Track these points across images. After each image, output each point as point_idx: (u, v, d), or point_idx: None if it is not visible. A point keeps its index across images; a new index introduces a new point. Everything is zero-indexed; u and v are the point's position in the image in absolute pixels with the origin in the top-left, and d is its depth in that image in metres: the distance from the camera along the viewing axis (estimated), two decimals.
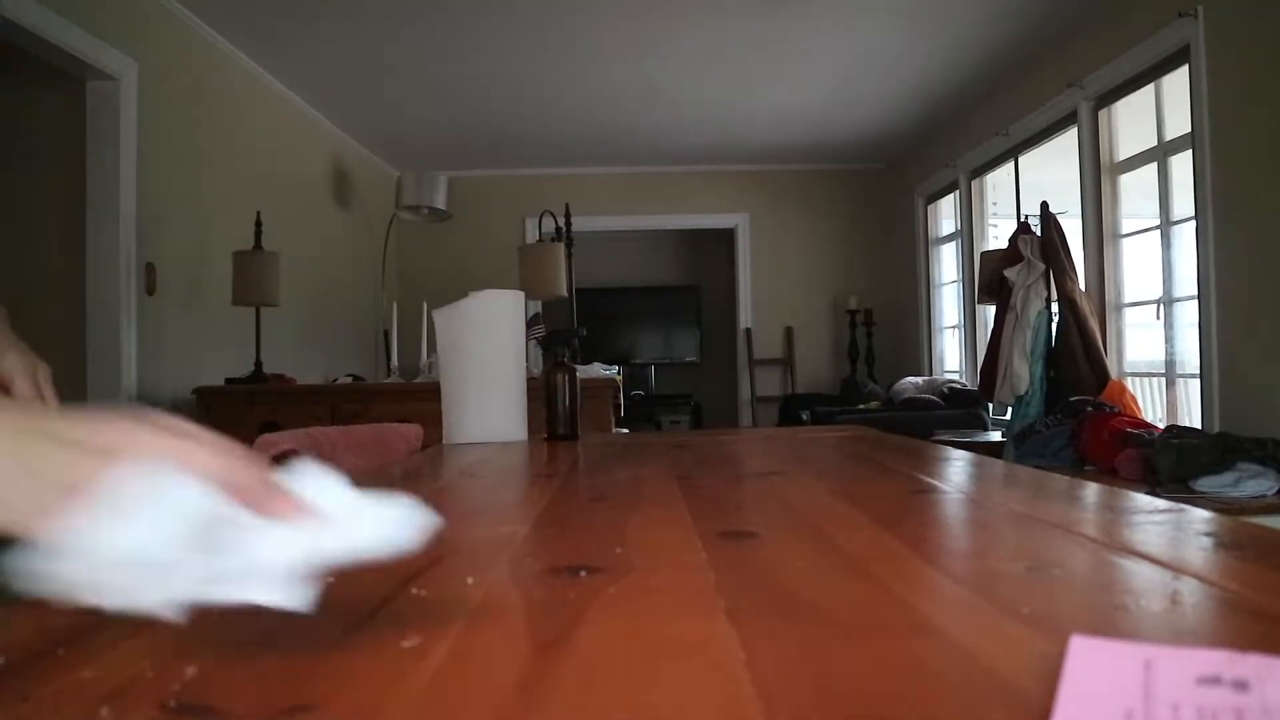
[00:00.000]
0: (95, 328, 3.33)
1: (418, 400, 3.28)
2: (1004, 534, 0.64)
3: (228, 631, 0.42)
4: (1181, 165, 3.51)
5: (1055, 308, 4.03)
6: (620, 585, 0.50)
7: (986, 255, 4.80)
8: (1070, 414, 3.55)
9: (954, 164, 5.51)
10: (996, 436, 4.51)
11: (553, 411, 1.74)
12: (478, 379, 1.68)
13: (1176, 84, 3.49)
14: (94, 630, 0.43)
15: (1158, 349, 3.78)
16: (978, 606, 0.43)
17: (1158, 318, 3.72)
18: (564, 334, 1.80)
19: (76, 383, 3.40)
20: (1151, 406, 4.15)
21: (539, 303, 4.80)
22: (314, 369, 4.82)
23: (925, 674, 0.35)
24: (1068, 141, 4.29)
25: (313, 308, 5.00)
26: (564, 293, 4.34)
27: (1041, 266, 4.04)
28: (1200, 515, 0.66)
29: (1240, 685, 0.28)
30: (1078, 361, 3.84)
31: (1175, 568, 0.50)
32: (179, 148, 3.76)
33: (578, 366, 2.03)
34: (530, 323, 3.86)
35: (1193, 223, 3.36)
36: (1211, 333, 3.25)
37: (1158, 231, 3.73)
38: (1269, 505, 2.64)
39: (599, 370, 3.52)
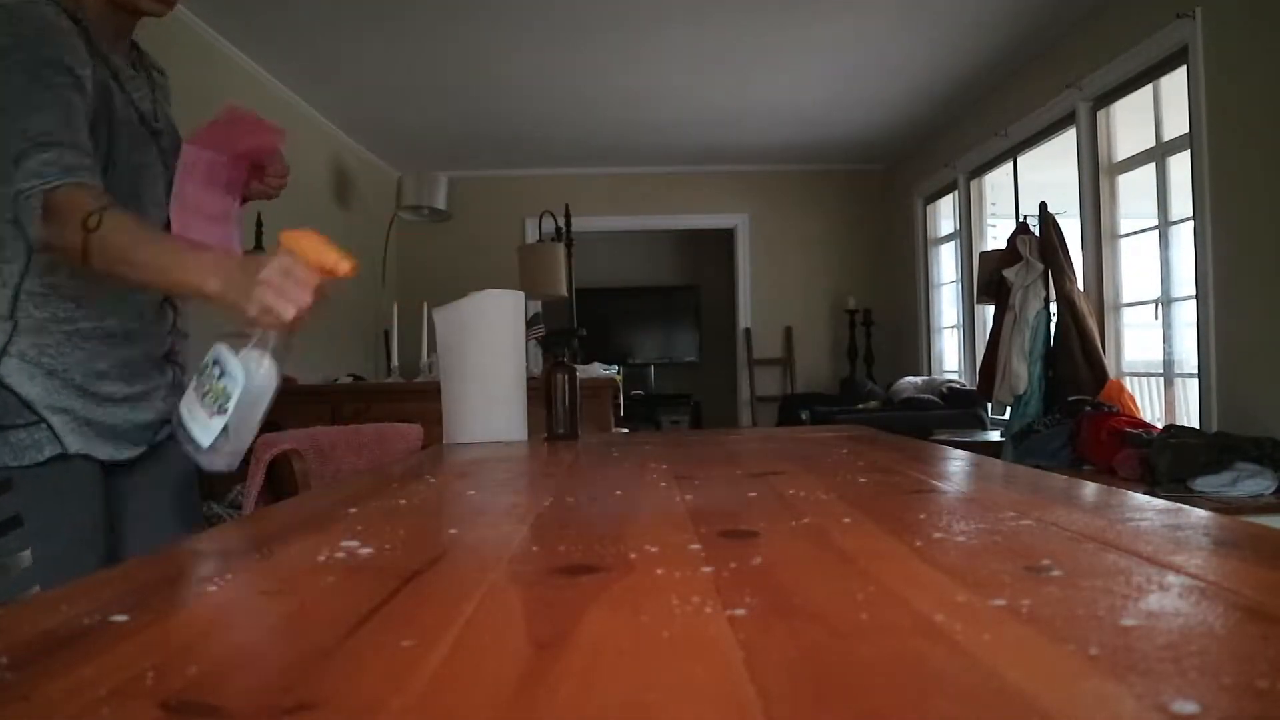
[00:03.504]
0: None
1: (418, 400, 3.28)
2: (1003, 533, 0.64)
3: (228, 631, 0.42)
4: (1180, 166, 3.51)
5: (1054, 308, 4.03)
6: (620, 585, 0.50)
7: (985, 255, 4.80)
8: (1069, 414, 3.55)
9: (953, 164, 5.52)
10: (995, 436, 4.51)
11: (552, 411, 1.74)
12: (478, 379, 1.68)
13: (1175, 85, 3.49)
14: (94, 630, 0.43)
15: (1156, 349, 3.78)
16: (977, 606, 0.44)
17: (1156, 318, 3.73)
18: (564, 334, 1.80)
19: None
20: (1150, 406, 4.15)
21: (539, 303, 4.80)
22: (314, 369, 4.82)
23: (925, 674, 0.35)
24: (1066, 142, 4.29)
25: (313, 307, 4.99)
26: (564, 293, 4.34)
27: (1040, 266, 4.04)
28: (1198, 515, 0.66)
29: None
30: (1076, 361, 3.84)
31: (1174, 567, 0.50)
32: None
33: (577, 366, 2.03)
34: (530, 323, 3.86)
35: (1191, 223, 3.36)
36: (1209, 333, 3.25)
37: (1156, 232, 3.73)
38: (1267, 505, 2.65)
39: (599, 370, 3.52)
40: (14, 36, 1.08)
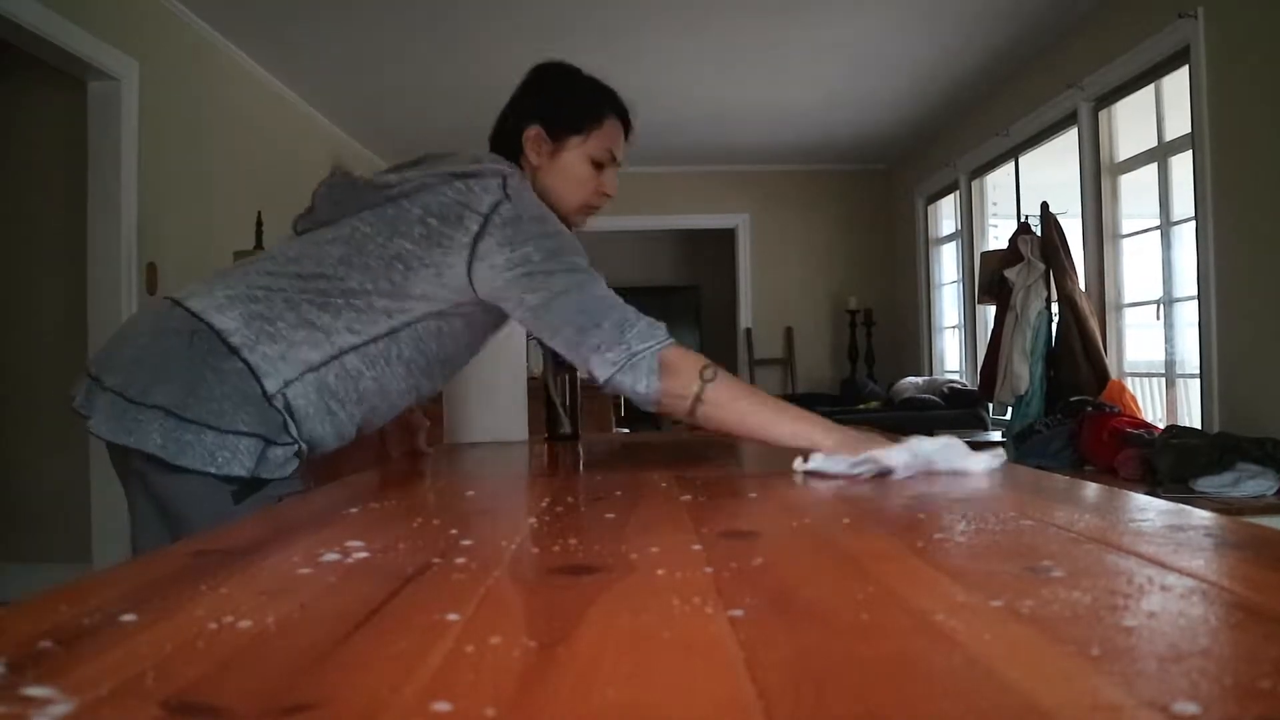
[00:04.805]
0: (96, 327, 3.33)
1: None
2: (1004, 533, 0.64)
3: (228, 631, 0.42)
4: (1181, 165, 3.51)
5: (1055, 308, 4.02)
6: (620, 585, 0.50)
7: (986, 255, 4.79)
8: (1070, 414, 3.55)
9: (954, 164, 5.51)
10: (996, 436, 4.51)
11: (553, 411, 1.74)
12: (478, 379, 1.68)
13: (1176, 84, 3.49)
14: (94, 630, 0.43)
15: (1157, 349, 3.78)
16: (977, 606, 0.43)
17: (1157, 318, 3.72)
18: None
19: None
20: (1151, 406, 4.15)
21: None
22: None
23: (925, 674, 0.35)
24: (1068, 142, 4.28)
25: None
26: None
27: (1041, 266, 4.04)
28: (1200, 515, 0.66)
29: None
30: (1077, 361, 3.84)
31: (1175, 568, 0.50)
32: (180, 147, 3.76)
33: None
34: None
35: (1192, 223, 3.36)
36: (1211, 333, 3.25)
37: (1158, 231, 3.73)
38: (1268, 505, 2.64)
39: None
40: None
